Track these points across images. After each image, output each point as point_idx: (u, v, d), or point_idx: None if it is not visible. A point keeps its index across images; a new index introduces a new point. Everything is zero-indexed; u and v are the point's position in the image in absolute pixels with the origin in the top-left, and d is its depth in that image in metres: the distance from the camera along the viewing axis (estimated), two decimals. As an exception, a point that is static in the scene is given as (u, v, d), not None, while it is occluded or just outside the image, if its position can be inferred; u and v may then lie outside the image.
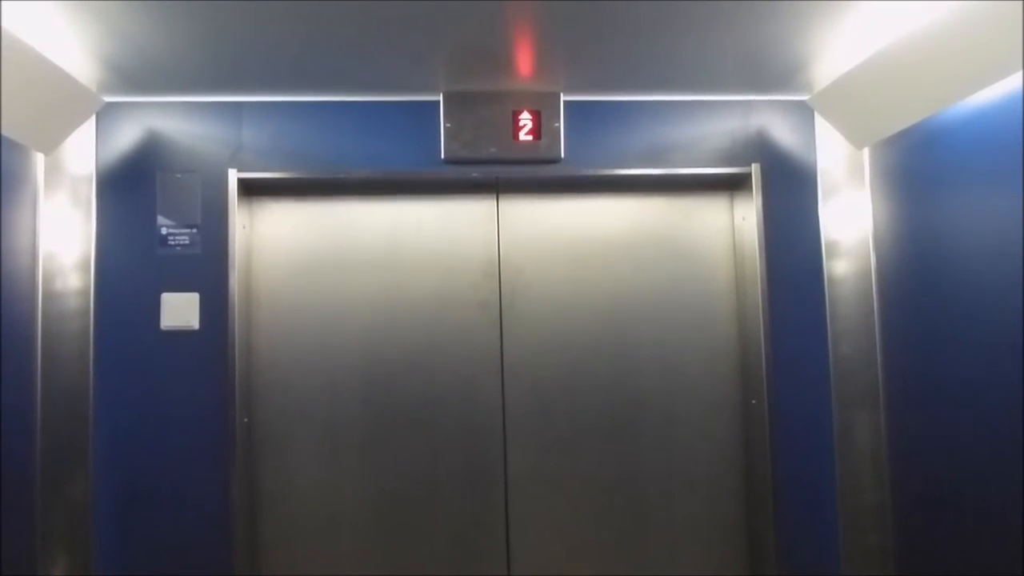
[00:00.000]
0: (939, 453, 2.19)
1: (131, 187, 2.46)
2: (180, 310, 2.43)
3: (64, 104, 2.29)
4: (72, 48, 2.02)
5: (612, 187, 2.67)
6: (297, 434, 2.55)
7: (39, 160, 2.37)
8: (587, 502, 2.60)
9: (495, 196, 2.66)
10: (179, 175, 2.47)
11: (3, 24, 1.83)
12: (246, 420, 2.47)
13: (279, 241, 2.60)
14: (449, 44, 2.10)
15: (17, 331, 2.23)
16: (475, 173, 2.55)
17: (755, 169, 2.53)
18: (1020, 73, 1.79)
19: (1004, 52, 1.79)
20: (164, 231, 2.46)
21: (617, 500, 2.60)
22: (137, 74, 2.25)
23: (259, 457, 2.53)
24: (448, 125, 2.51)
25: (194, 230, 2.46)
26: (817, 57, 2.23)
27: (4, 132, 2.13)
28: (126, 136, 2.47)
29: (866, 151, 2.58)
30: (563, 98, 2.53)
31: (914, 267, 2.31)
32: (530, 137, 2.52)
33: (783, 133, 2.61)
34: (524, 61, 2.26)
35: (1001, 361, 1.89)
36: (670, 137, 2.60)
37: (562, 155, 2.54)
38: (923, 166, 2.24)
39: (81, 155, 2.43)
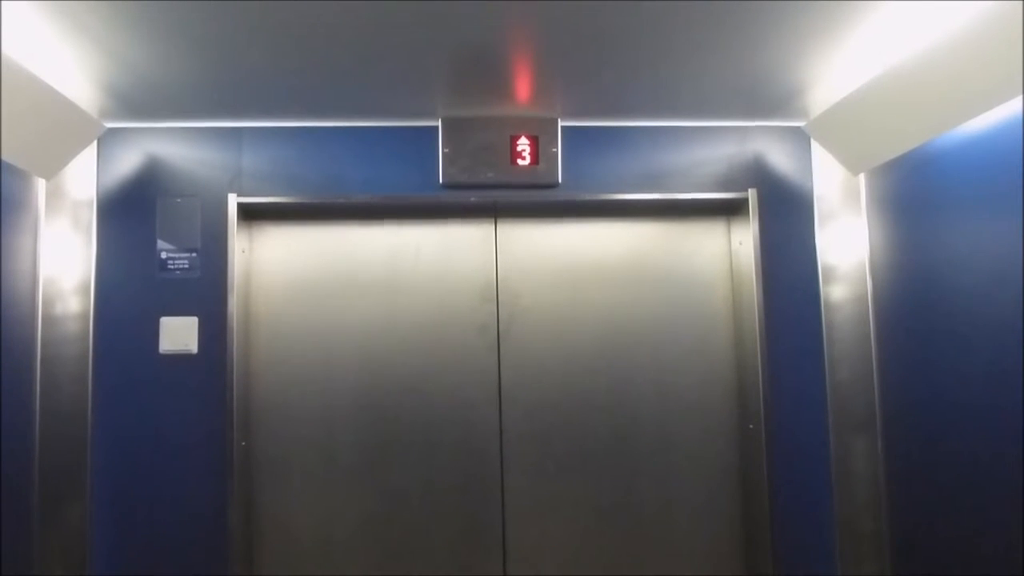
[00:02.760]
0: (937, 478, 2.19)
1: (131, 212, 2.48)
2: (179, 334, 2.44)
3: (65, 130, 2.31)
4: (73, 75, 2.04)
5: (609, 212, 2.68)
6: (295, 457, 2.55)
7: (40, 185, 2.39)
8: (584, 525, 2.59)
9: (493, 221, 2.67)
10: (179, 200, 2.49)
11: (5, 51, 1.85)
12: (244, 444, 2.48)
13: (278, 265, 2.61)
14: (447, 70, 2.12)
15: (17, 354, 2.24)
16: (473, 198, 2.56)
17: (752, 194, 2.54)
18: (1019, 99, 1.79)
19: (1002, 78, 1.79)
20: (164, 255, 2.47)
21: (614, 524, 2.60)
22: (138, 100, 2.27)
23: (257, 480, 2.53)
24: (446, 150, 2.52)
25: (194, 254, 2.48)
26: (813, 84, 2.25)
27: (5, 157, 2.15)
28: (127, 161, 2.49)
29: (862, 177, 2.59)
30: (561, 123, 2.55)
31: (911, 292, 2.32)
32: (528, 162, 2.53)
33: (780, 159, 2.63)
34: (522, 87, 2.27)
35: (999, 386, 1.89)
36: (667, 162, 2.61)
37: (560, 180, 2.55)
38: (919, 192, 2.25)
39: (82, 180, 2.44)
